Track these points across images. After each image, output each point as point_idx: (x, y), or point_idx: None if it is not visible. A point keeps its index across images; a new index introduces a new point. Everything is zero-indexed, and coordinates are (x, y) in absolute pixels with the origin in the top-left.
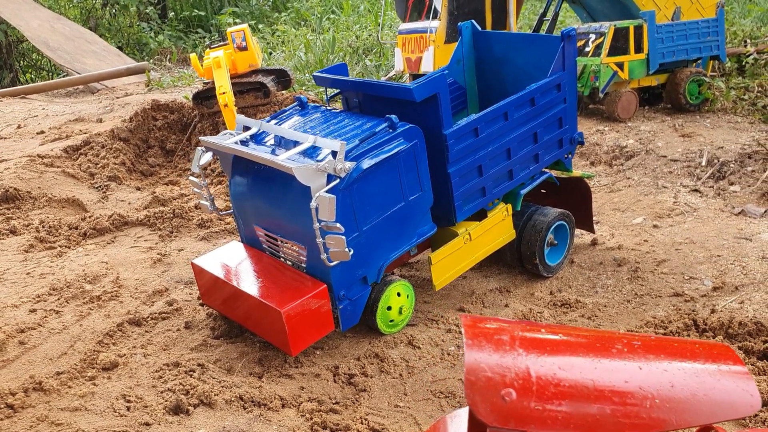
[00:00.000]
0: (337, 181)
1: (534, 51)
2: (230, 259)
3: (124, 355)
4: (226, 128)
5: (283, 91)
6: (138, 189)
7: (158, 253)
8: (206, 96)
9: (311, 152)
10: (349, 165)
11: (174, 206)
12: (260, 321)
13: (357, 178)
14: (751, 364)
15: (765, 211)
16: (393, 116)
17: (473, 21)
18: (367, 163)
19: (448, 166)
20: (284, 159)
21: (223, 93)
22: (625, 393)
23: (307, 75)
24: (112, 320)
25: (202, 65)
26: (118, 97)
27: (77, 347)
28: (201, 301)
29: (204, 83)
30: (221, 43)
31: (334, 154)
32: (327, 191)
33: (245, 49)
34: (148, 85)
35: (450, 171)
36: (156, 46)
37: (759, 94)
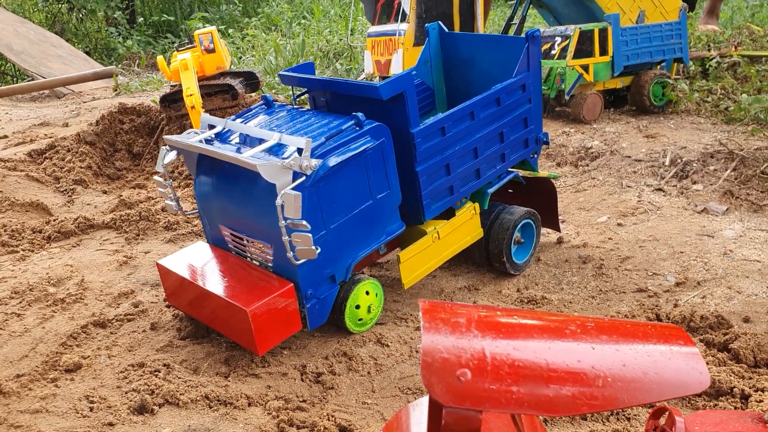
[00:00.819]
0: (303, 178)
1: (500, 52)
2: (196, 260)
3: (88, 356)
4: None
5: (252, 94)
6: (104, 192)
7: (124, 256)
8: (174, 99)
9: (277, 150)
10: (315, 162)
11: (141, 209)
12: (227, 321)
13: (323, 176)
14: (712, 356)
15: (726, 209)
16: (360, 114)
17: (440, 22)
18: (333, 161)
19: (416, 164)
20: (249, 156)
21: (191, 95)
22: (578, 372)
23: (276, 78)
24: (76, 322)
25: (169, 68)
26: (85, 102)
27: (39, 349)
28: (167, 302)
29: (171, 86)
30: (189, 45)
31: (299, 151)
32: (293, 188)
33: (213, 51)
34: (115, 90)
35: (418, 169)
36: (125, 51)
37: (722, 96)
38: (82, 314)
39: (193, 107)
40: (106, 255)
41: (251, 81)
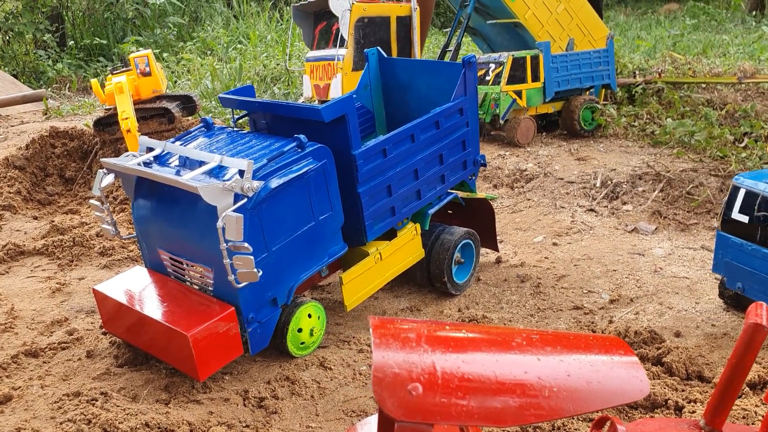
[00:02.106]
0: (245, 200)
1: (437, 77)
2: (134, 285)
3: (20, 387)
4: None
5: (189, 117)
6: (35, 218)
7: (57, 283)
8: (108, 122)
9: (218, 172)
10: (257, 184)
11: (74, 234)
12: (166, 346)
13: (265, 198)
14: (647, 370)
15: (655, 228)
16: (302, 136)
17: (379, 48)
18: (275, 183)
19: (358, 185)
20: (189, 179)
21: (126, 118)
22: (525, 384)
23: (213, 102)
24: (6, 352)
25: (103, 91)
26: (12, 126)
27: None
28: (103, 329)
29: (106, 109)
30: (124, 68)
31: (241, 173)
32: (234, 211)
33: (149, 74)
34: (45, 114)
35: (360, 191)
36: (54, 74)
37: (647, 120)
38: (12, 344)
39: (128, 131)
40: (38, 282)
41: (188, 104)
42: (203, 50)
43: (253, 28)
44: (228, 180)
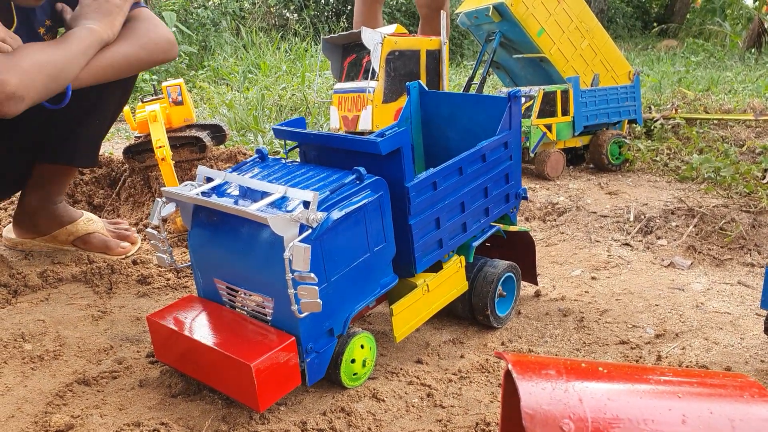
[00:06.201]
0: (309, 231)
1: (480, 110)
2: (189, 313)
3: (78, 416)
4: (160, 183)
5: (220, 146)
6: None
7: (98, 310)
8: (138, 150)
9: (279, 203)
10: (320, 215)
11: (110, 262)
12: (225, 376)
13: (327, 229)
14: None
15: (691, 264)
16: (361, 168)
17: (420, 81)
18: (336, 214)
19: (410, 218)
20: (255, 209)
21: (161, 147)
22: (671, 421)
23: (233, 131)
24: (59, 380)
25: (134, 119)
26: None
27: (25, 409)
28: (154, 357)
29: (136, 137)
30: (154, 97)
31: (305, 204)
32: (300, 241)
33: (181, 103)
34: None
35: (411, 223)
36: None
37: (669, 155)
38: (63, 371)
39: (163, 159)
40: (79, 309)
41: (217, 134)
42: (214, 79)
43: (261, 58)
44: (292, 211)
